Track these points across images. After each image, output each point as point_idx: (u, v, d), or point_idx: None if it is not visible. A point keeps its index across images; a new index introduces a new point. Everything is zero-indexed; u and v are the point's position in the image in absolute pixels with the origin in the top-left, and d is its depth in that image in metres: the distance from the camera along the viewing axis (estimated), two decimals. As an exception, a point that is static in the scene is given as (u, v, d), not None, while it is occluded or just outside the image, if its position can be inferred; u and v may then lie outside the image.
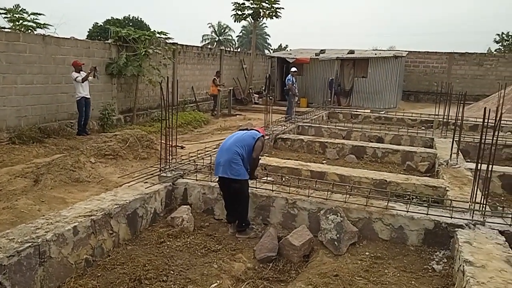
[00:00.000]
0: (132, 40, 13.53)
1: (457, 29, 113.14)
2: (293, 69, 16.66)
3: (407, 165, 8.60)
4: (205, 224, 5.46)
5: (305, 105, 20.66)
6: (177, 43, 16.92)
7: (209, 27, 62.90)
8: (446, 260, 4.50)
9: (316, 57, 22.07)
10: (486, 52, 30.40)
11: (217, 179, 5.35)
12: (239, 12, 21.79)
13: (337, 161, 9.09)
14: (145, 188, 5.41)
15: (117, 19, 38.31)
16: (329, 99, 19.42)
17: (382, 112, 15.85)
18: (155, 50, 13.81)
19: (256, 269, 4.54)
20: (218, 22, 62.25)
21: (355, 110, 16.95)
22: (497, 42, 39.86)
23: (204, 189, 5.72)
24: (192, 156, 6.87)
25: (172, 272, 4.21)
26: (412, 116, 14.63)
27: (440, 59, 26.57)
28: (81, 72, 11.38)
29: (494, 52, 34.51)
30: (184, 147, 10.03)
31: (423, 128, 13.04)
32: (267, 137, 8.56)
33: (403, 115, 14.84)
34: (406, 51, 25.06)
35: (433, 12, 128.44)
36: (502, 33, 39.15)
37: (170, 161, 6.20)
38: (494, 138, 4.88)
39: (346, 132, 11.37)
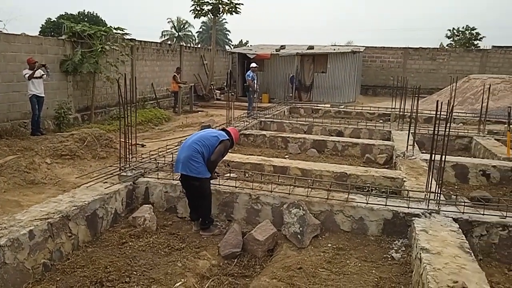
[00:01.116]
0: (88, 36, 13.10)
1: (412, 25, 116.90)
2: (253, 64, 16.67)
3: (366, 157, 8.83)
4: (168, 222, 5.39)
5: (267, 101, 20.79)
6: (134, 39, 16.55)
7: (168, 22, 61.72)
8: (404, 249, 4.67)
9: (277, 53, 22.21)
10: (438, 47, 31.61)
11: (179, 176, 5.29)
12: (198, 8, 21.55)
13: (299, 155, 9.21)
14: (105, 188, 5.27)
15: (71, 14, 37.01)
16: (290, 95, 19.60)
17: (342, 107, 16.18)
18: (112, 47, 13.44)
19: (221, 266, 4.54)
20: (177, 18, 61.25)
21: (315, 105, 17.21)
22: (449, 38, 41.54)
23: (166, 187, 5.64)
24: (153, 154, 6.75)
25: (135, 273, 4.13)
26: (370, 110, 15.02)
27: (395, 54, 27.42)
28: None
29: (446, 47, 35.96)
30: (145, 145, 9.86)
31: (381, 121, 13.41)
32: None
33: (361, 109, 15.21)
34: (363, 46, 25.69)
35: (389, 9, 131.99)
36: (453, 28, 40.85)
37: (130, 160, 6.07)
38: (447, 130, 5.08)
39: (307, 127, 11.53)
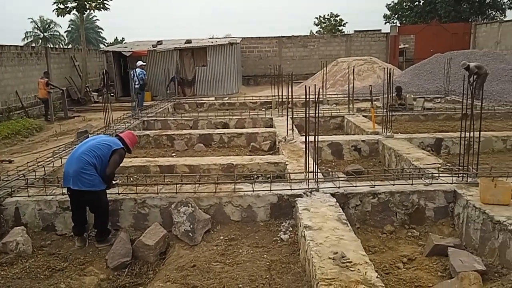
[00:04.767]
0: None
1: (284, 16, 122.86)
2: (140, 62, 16.18)
3: (251, 146, 9.06)
4: (46, 242, 4.93)
5: (149, 99, 20.10)
6: (-13, 44, 14.71)
7: (31, 23, 55.92)
8: (291, 229, 4.90)
9: (154, 49, 21.58)
10: (309, 35, 33.69)
11: (66, 190, 4.84)
12: (61, 6, 19.89)
13: (186, 151, 9.09)
14: (-37, 216, 4.61)
15: None
16: (173, 91, 19.24)
17: (226, 98, 16.39)
18: (-41, 53, 11.74)
19: (110, 279, 4.31)
20: (40, 17, 55.83)
21: (200, 99, 17.17)
22: (317, 25, 44.63)
23: (39, 204, 5.13)
24: (21, 170, 6.08)
25: (10, 306, 3.71)
26: (253, 99, 15.46)
27: (271, 44, 28.52)
28: None
29: (315, 34, 38.53)
30: (13, 160, 8.84)
31: (263, 109, 13.87)
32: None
33: (244, 99, 15.57)
34: (240, 37, 26.25)
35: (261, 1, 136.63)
36: (320, 16, 43.95)
37: (-7, 180, 5.39)
38: (319, 111, 5.43)
39: (193, 122, 11.44)
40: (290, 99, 8.48)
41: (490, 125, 9.76)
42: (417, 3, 34.49)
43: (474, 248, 4.46)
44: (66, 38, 60.14)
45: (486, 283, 3.77)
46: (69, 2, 19.88)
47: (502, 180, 4.81)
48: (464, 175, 5.28)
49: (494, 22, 26.05)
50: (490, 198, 4.48)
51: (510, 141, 8.10)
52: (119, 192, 5.24)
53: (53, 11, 20.22)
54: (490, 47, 23.48)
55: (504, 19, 27.27)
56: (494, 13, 32.81)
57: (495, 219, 4.17)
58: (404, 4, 35.17)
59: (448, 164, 6.17)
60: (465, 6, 31.35)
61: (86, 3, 19.94)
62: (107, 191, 4.99)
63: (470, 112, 5.25)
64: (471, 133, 5.19)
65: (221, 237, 4.84)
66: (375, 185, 5.19)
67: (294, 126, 8.79)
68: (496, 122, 10.39)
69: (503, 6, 32.44)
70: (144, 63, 16.32)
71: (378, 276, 3.30)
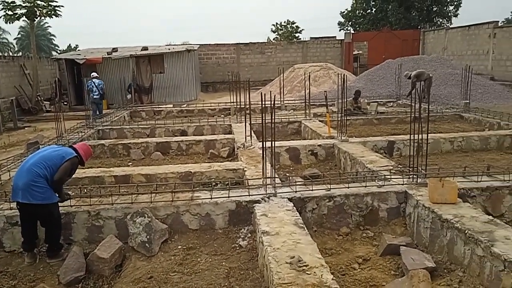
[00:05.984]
0: None
1: (243, 22, 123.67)
2: (94, 74, 15.91)
3: (210, 153, 9.01)
4: (-7, 260, 4.69)
5: (105, 107, 19.60)
6: None
7: (-23, 30, 53.15)
8: (250, 235, 4.91)
9: (109, 56, 21.11)
10: (266, 42, 34.03)
11: (15, 204, 4.63)
12: (10, 12, 19.06)
13: (143, 160, 8.93)
14: None
15: None
16: (129, 97, 18.88)
17: (184, 105, 16.25)
18: None
19: (63, 295, 4.14)
20: (-13, 24, 53.28)
21: (157, 106, 16.92)
22: (274, 32, 45.17)
23: (-15, 221, 4.87)
24: (-36, 185, 5.76)
25: (-48, 330, 3.49)
26: (211, 106, 15.42)
27: (229, 50, 28.61)
28: None
29: (273, 41, 38.98)
30: (-43, 175, 8.35)
31: (222, 116, 13.86)
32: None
33: (203, 106, 15.49)
34: (197, 44, 26.16)
35: (220, 6, 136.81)
36: (277, 23, 44.52)
37: None
38: (277, 117, 5.49)
39: (150, 130, 11.25)
40: (248, 106, 8.52)
41: (439, 127, 10.23)
42: (369, 11, 35.69)
43: (424, 246, 4.64)
44: (15, 46, 57.69)
45: (436, 279, 3.93)
46: (18, 9, 19.08)
47: (449, 180, 5.05)
48: (414, 176, 5.50)
49: (441, 29, 27.36)
50: (438, 198, 4.69)
51: (457, 142, 8.51)
52: (72, 204, 5.06)
53: (0, 17, 19.36)
54: (438, 52, 24.65)
55: (450, 26, 28.69)
56: (441, 20, 34.47)
57: (443, 218, 4.36)
58: (357, 11, 36.29)
59: (399, 166, 6.39)
60: (414, 13, 32.77)
61: (36, 9, 19.21)
62: (59, 204, 4.82)
63: (418, 116, 5.48)
64: (421, 136, 5.41)
65: (179, 247, 4.77)
66: (331, 189, 5.30)
67: (252, 132, 8.84)
68: (444, 124, 10.90)
69: (449, 14, 34.18)
70: (98, 75, 16.22)
71: (334, 278, 3.37)
